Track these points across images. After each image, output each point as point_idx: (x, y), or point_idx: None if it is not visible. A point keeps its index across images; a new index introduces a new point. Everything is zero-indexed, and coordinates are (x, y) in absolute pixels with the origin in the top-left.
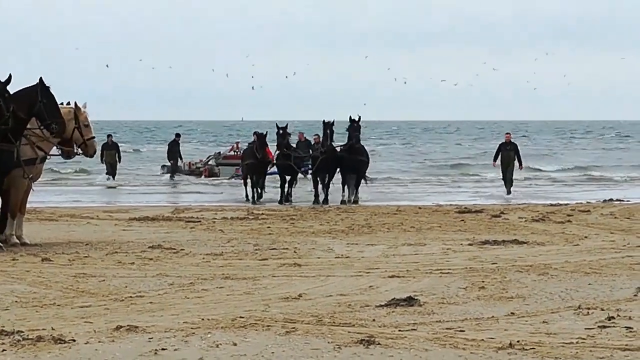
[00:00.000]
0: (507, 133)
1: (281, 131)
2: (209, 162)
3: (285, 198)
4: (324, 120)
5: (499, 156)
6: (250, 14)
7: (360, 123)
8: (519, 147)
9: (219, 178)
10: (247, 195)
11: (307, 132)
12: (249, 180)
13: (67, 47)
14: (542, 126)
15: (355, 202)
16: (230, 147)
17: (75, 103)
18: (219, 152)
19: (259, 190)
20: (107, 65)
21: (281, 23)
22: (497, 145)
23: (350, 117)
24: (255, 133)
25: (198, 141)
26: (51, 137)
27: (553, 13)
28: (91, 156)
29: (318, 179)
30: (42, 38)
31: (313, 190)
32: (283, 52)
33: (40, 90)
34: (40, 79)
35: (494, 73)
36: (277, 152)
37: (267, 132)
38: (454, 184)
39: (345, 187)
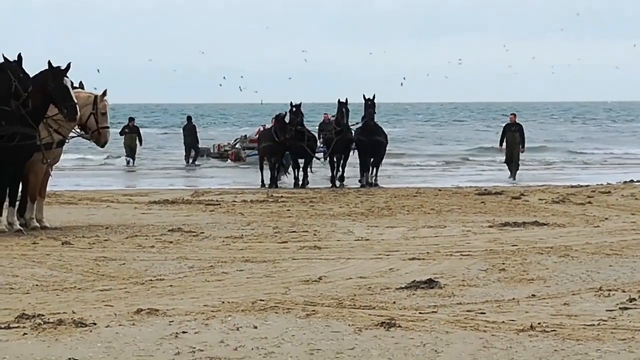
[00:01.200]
0: (512, 113)
1: (294, 108)
2: (236, 146)
3: (301, 184)
4: (338, 100)
5: (505, 139)
6: None
7: (375, 101)
8: (524, 129)
9: (245, 163)
10: (262, 181)
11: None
12: (265, 165)
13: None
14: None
15: (375, 185)
16: (257, 130)
17: (104, 92)
18: (245, 136)
19: (276, 174)
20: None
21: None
22: (502, 127)
23: (364, 95)
24: (276, 116)
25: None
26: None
27: None
28: (102, 146)
29: (335, 160)
30: None
31: (330, 174)
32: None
33: (51, 74)
34: (49, 62)
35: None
36: (290, 130)
37: (286, 113)
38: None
39: (363, 170)
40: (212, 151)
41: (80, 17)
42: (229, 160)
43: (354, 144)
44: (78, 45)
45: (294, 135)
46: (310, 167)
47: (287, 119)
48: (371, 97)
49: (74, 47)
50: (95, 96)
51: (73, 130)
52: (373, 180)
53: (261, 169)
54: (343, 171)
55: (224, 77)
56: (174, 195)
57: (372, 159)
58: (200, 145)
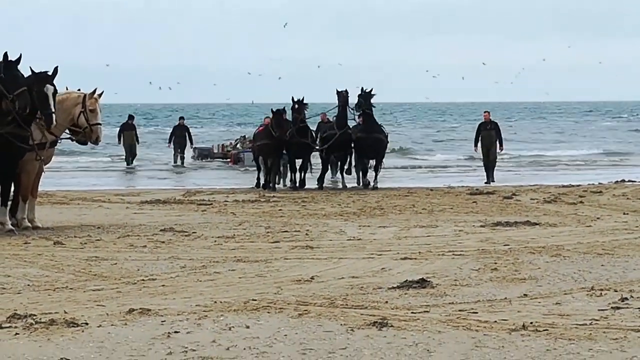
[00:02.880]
0: (485, 111)
1: (297, 105)
2: (237, 146)
3: (300, 183)
4: (337, 90)
5: (480, 138)
6: None
7: (372, 93)
8: (500, 127)
9: (244, 165)
10: (258, 181)
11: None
12: (262, 165)
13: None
14: None
15: (375, 187)
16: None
17: (84, 95)
18: (244, 136)
19: (272, 177)
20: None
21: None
22: (476, 127)
23: (362, 87)
24: (272, 111)
25: (208, 124)
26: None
27: None
28: (95, 143)
29: (332, 157)
30: None
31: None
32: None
33: (35, 79)
34: (30, 67)
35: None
36: (292, 128)
37: (284, 109)
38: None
39: (361, 171)
40: (215, 152)
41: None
42: (230, 163)
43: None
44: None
45: (295, 132)
46: (310, 168)
47: (288, 116)
48: (368, 90)
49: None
50: (84, 95)
51: (64, 133)
52: (374, 184)
53: (258, 169)
54: (343, 168)
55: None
56: (165, 195)
57: (372, 160)
58: (201, 146)
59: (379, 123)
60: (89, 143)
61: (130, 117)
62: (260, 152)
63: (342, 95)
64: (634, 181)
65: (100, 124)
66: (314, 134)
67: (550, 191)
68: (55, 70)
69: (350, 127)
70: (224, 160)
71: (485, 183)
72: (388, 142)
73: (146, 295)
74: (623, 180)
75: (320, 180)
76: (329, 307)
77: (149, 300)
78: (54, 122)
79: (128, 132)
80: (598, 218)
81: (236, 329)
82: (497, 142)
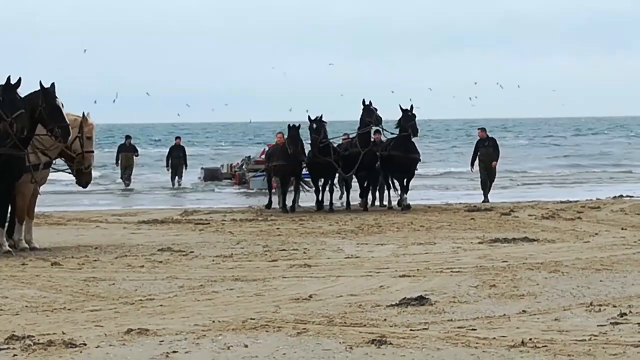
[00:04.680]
0: (480, 128)
1: (315, 125)
2: (243, 167)
3: (327, 206)
4: (363, 100)
5: (477, 156)
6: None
7: (414, 112)
8: (497, 143)
9: (250, 188)
10: (270, 203)
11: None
12: (275, 185)
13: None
14: None
15: (408, 207)
16: (262, 150)
17: (83, 114)
18: (249, 157)
19: (289, 196)
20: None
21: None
22: (474, 145)
23: (400, 106)
24: (288, 126)
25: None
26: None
27: None
28: (86, 169)
29: (357, 179)
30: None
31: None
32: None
33: (43, 94)
34: (40, 82)
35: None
36: (311, 150)
37: (300, 125)
38: None
39: (389, 189)
40: (223, 171)
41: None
42: (234, 185)
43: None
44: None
45: (318, 152)
46: (337, 187)
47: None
48: (409, 108)
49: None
50: (82, 119)
51: (60, 164)
52: (404, 203)
53: (269, 190)
54: (368, 189)
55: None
56: (163, 214)
57: (404, 179)
58: (209, 166)
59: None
60: (84, 184)
61: (128, 137)
62: (277, 173)
63: (370, 111)
64: (632, 196)
65: (93, 152)
66: (338, 152)
67: (548, 207)
68: (53, 85)
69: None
70: (233, 181)
71: (483, 202)
72: (420, 160)
73: (144, 315)
74: (621, 196)
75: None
76: (328, 326)
77: (147, 320)
78: (71, 134)
79: (125, 154)
80: (596, 234)
81: (235, 348)
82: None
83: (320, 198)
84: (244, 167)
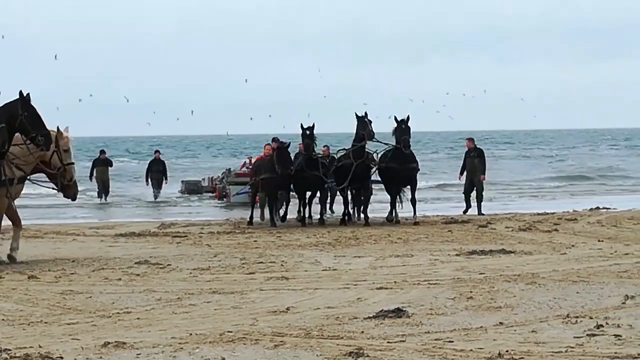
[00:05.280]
0: (468, 139)
1: (308, 132)
2: (224, 180)
3: (319, 220)
4: (355, 114)
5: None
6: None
7: (409, 124)
8: (485, 154)
9: (231, 202)
10: (251, 217)
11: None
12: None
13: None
14: None
15: (416, 223)
16: (242, 163)
17: (58, 128)
18: (229, 169)
19: (277, 210)
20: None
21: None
22: (463, 155)
23: (395, 117)
24: (274, 140)
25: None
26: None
27: None
28: (69, 182)
29: (349, 192)
30: None
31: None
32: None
33: (22, 103)
34: (20, 91)
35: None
36: (302, 156)
37: (289, 143)
38: None
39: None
40: (204, 185)
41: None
42: (215, 198)
43: (374, 171)
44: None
45: (304, 165)
46: (330, 204)
47: (293, 147)
48: (405, 119)
49: None
50: (57, 133)
51: (43, 183)
52: (416, 219)
53: (252, 205)
54: (362, 210)
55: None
56: (140, 227)
57: (407, 192)
58: (189, 179)
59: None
60: (72, 196)
61: (102, 152)
62: (264, 188)
63: (364, 123)
64: (609, 208)
65: (73, 164)
66: (326, 165)
67: (525, 219)
68: (28, 94)
69: (372, 153)
70: (214, 194)
71: (464, 212)
72: (419, 169)
73: (121, 329)
74: (598, 208)
75: (343, 215)
76: (305, 338)
77: (124, 334)
78: (52, 140)
79: (100, 168)
80: (573, 245)
81: None
82: (480, 171)
83: (304, 213)
84: (224, 180)
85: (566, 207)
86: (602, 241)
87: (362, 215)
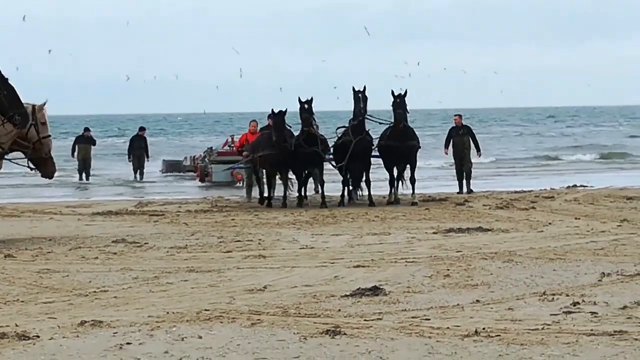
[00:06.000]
0: (456, 115)
1: (306, 106)
2: (205, 159)
3: (321, 203)
4: (353, 88)
5: (450, 143)
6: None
7: (405, 99)
8: (473, 131)
9: (213, 181)
10: (261, 196)
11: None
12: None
13: None
14: None
15: (415, 203)
16: (225, 141)
17: (33, 106)
18: (211, 148)
19: (274, 190)
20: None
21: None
22: (447, 131)
23: (392, 91)
24: (269, 117)
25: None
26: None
27: None
28: (46, 154)
29: (349, 172)
30: None
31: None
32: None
33: (0, 83)
34: (0, 71)
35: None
36: (300, 132)
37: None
38: None
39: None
40: (185, 164)
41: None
42: (197, 179)
43: (373, 150)
44: None
45: (303, 141)
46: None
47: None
48: (401, 94)
49: None
50: (33, 106)
51: (18, 161)
52: (415, 199)
53: (250, 186)
54: (359, 181)
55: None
56: (117, 206)
57: (407, 171)
58: (170, 158)
59: (411, 128)
60: (49, 175)
61: (87, 130)
62: (264, 165)
63: (358, 100)
64: (585, 186)
65: (50, 136)
66: (325, 140)
67: (502, 197)
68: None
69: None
70: (195, 174)
71: (458, 193)
72: (420, 147)
73: (98, 307)
74: (575, 186)
75: (347, 194)
76: (282, 316)
77: (100, 312)
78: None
79: (82, 145)
80: (550, 223)
81: (189, 340)
82: (475, 148)
83: (302, 193)
84: (206, 159)
85: (543, 185)
86: (579, 219)
87: (359, 193)
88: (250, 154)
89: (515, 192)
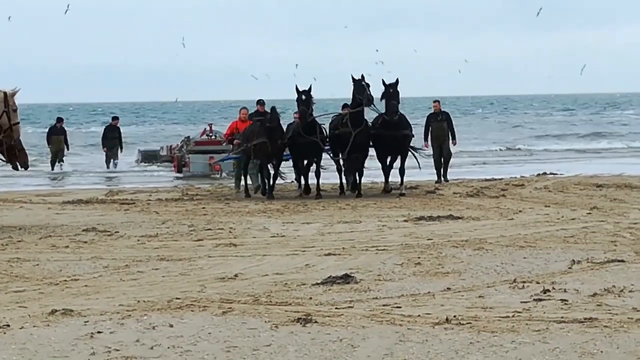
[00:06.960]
0: (435, 101)
1: (304, 96)
2: (183, 149)
3: (316, 194)
4: (352, 76)
5: (429, 131)
6: None
7: (398, 89)
8: (451, 118)
9: (190, 172)
10: (237, 185)
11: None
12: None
13: None
14: None
15: (402, 194)
16: (202, 130)
17: (5, 93)
18: (188, 137)
19: (266, 179)
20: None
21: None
22: (426, 118)
23: (383, 80)
24: (258, 103)
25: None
26: None
27: None
28: (15, 141)
29: (346, 163)
30: None
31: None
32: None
33: None
34: None
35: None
36: (297, 124)
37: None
38: None
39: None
40: (162, 154)
41: None
42: (173, 170)
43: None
44: None
45: (301, 130)
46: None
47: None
48: (393, 83)
49: None
50: (5, 93)
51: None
52: (401, 189)
53: (240, 177)
54: (360, 178)
55: None
56: (87, 194)
57: (398, 161)
58: (146, 148)
59: (404, 116)
60: (19, 168)
61: (60, 120)
62: (257, 154)
63: (362, 87)
64: (555, 174)
65: (18, 123)
66: (325, 131)
67: (472, 185)
68: None
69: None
70: (172, 164)
71: (436, 182)
72: (413, 136)
73: (69, 296)
74: (545, 173)
75: (340, 186)
76: (253, 305)
77: (71, 301)
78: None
79: (56, 137)
80: (520, 211)
81: (160, 328)
82: (450, 135)
83: (305, 182)
84: (183, 148)
85: (513, 173)
86: (549, 206)
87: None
88: (244, 143)
89: (486, 179)
